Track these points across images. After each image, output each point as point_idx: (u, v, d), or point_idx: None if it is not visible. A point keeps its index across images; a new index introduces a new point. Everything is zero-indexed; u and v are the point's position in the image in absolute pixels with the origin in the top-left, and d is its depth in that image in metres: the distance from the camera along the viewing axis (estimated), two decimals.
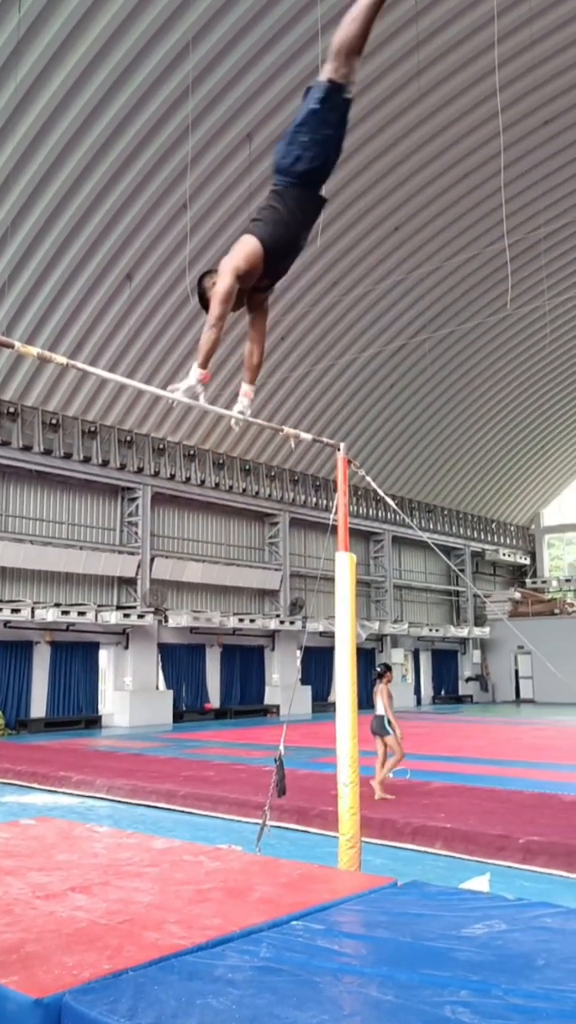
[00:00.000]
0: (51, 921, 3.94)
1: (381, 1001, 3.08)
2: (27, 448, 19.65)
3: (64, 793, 10.60)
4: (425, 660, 32.77)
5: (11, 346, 4.16)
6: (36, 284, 18.26)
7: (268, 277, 4.10)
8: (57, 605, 19.84)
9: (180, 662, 23.47)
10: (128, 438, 21.86)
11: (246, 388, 4.50)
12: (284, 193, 3.95)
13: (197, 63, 15.94)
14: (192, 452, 23.63)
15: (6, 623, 19.12)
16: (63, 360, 4.40)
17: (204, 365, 4.06)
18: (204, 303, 4.11)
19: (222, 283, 3.91)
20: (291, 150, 3.85)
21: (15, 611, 18.91)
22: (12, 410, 19.35)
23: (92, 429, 21.01)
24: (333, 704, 5.88)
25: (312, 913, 4.09)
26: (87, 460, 20.87)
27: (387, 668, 9.38)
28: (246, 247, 3.94)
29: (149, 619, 21.57)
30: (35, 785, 11.17)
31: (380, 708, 8.96)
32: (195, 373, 4.09)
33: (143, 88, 16.01)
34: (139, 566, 21.92)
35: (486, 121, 18.87)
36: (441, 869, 6.67)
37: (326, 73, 3.69)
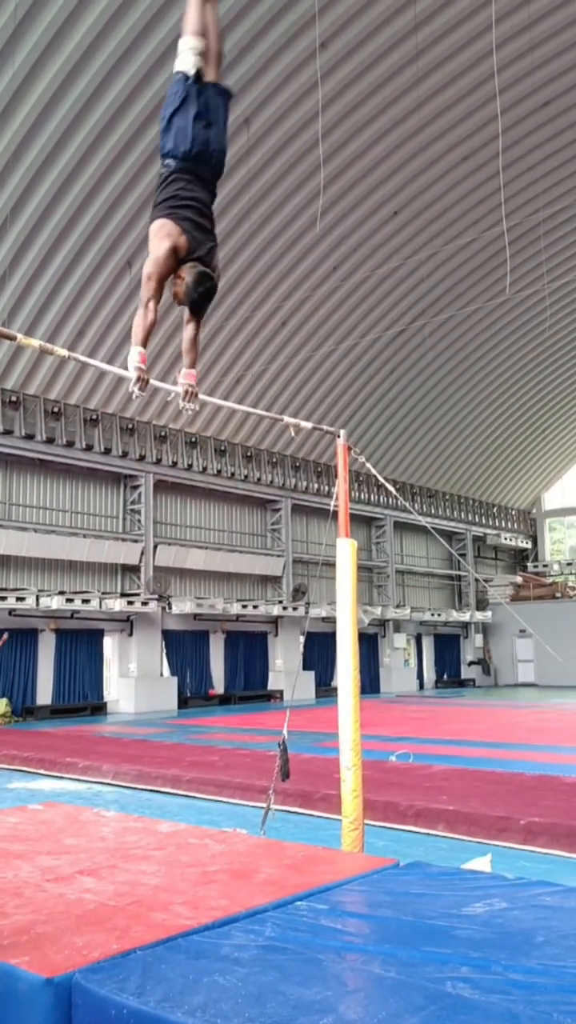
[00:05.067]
0: (60, 903, 4.01)
1: (384, 977, 3.15)
2: (30, 437, 19.68)
3: (71, 779, 10.71)
4: (428, 644, 32.88)
5: (12, 338, 4.21)
6: (36, 273, 18.22)
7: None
8: (61, 593, 19.92)
9: (184, 648, 23.58)
10: (130, 426, 21.88)
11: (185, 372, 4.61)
12: None
13: None
14: (194, 439, 23.64)
15: (11, 611, 19.20)
16: (64, 352, 4.44)
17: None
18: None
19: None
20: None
21: (20, 599, 19.00)
22: (14, 399, 19.36)
23: (94, 417, 21.02)
24: (336, 689, 5.95)
25: (316, 893, 4.15)
26: (89, 448, 20.89)
27: None
28: None
29: (153, 606, 21.66)
30: (42, 771, 11.29)
31: None
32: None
33: (141, 72, 15.91)
34: (142, 553, 21.99)
35: (484, 104, 18.75)
36: (443, 851, 6.76)
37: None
